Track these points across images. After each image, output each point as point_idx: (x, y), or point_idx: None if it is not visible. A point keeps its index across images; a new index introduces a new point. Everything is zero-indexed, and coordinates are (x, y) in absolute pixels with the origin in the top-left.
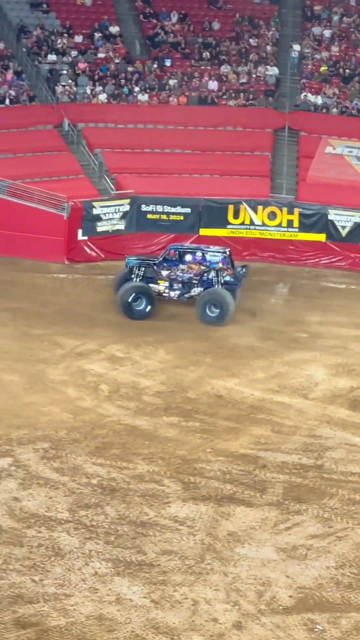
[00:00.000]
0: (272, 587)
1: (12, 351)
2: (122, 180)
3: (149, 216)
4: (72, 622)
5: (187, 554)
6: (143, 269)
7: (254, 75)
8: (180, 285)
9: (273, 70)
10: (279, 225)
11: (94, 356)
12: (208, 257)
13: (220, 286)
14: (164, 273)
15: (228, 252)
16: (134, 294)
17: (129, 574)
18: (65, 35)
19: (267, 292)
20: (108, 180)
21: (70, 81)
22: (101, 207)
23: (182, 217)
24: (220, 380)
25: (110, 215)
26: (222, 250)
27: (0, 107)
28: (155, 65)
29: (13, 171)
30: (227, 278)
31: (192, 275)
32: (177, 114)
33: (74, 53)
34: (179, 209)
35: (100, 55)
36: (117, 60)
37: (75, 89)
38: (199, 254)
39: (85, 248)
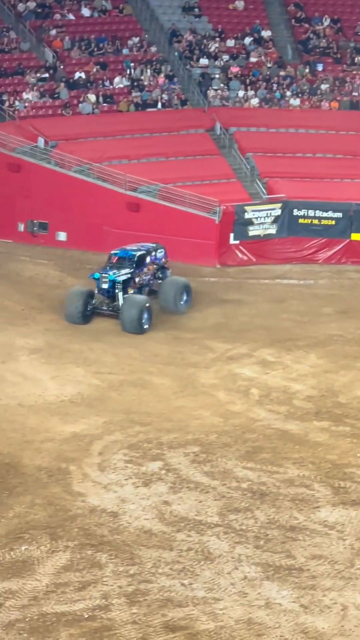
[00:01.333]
0: None
1: (163, 355)
2: (273, 185)
3: (301, 221)
4: (221, 626)
5: (337, 559)
6: (121, 280)
7: None
8: (136, 289)
9: None
10: None
11: (244, 360)
12: (158, 255)
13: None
14: (137, 280)
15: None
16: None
17: (278, 578)
18: (217, 39)
19: None
20: (260, 185)
21: (222, 85)
22: (253, 211)
23: (333, 222)
24: None
25: (262, 220)
26: (162, 246)
27: (153, 110)
28: (307, 70)
29: (165, 175)
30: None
31: (149, 276)
32: (328, 119)
33: (225, 57)
34: (330, 214)
35: (252, 59)
36: (269, 65)
37: (227, 93)
38: (153, 253)
39: (237, 252)
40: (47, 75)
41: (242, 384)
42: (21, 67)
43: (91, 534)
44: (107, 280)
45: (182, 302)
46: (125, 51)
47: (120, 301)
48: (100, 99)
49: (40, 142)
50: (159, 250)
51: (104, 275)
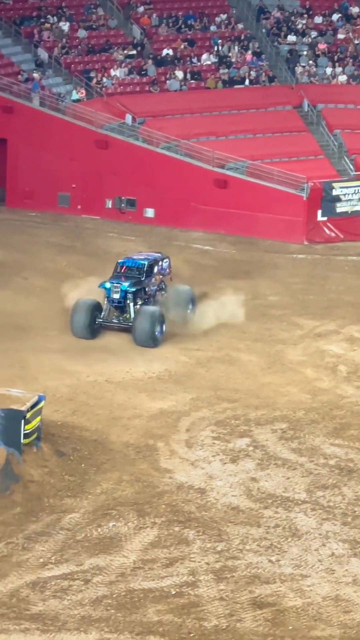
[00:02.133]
0: None
1: (251, 331)
2: None
3: None
4: (308, 603)
5: None
6: (133, 290)
7: None
8: (144, 299)
9: None
10: None
11: (332, 337)
12: (163, 265)
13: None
14: (147, 290)
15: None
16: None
17: None
18: (305, 16)
19: None
20: (348, 161)
21: (310, 62)
22: (340, 187)
23: None
24: None
25: (350, 196)
26: (167, 256)
27: (240, 87)
28: None
29: (253, 151)
30: None
31: (156, 287)
32: None
33: (313, 34)
34: None
35: (340, 36)
36: (356, 41)
37: (314, 69)
38: (160, 263)
39: (325, 229)
40: (134, 52)
41: (330, 361)
42: (109, 44)
43: (178, 510)
44: (120, 290)
45: (189, 311)
46: (212, 28)
47: (132, 313)
48: (188, 76)
49: (128, 118)
50: (164, 260)
51: (115, 284)
